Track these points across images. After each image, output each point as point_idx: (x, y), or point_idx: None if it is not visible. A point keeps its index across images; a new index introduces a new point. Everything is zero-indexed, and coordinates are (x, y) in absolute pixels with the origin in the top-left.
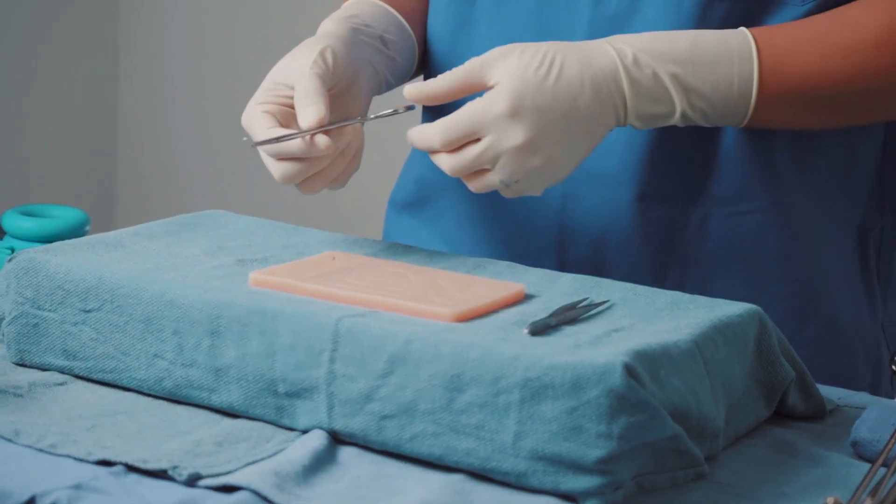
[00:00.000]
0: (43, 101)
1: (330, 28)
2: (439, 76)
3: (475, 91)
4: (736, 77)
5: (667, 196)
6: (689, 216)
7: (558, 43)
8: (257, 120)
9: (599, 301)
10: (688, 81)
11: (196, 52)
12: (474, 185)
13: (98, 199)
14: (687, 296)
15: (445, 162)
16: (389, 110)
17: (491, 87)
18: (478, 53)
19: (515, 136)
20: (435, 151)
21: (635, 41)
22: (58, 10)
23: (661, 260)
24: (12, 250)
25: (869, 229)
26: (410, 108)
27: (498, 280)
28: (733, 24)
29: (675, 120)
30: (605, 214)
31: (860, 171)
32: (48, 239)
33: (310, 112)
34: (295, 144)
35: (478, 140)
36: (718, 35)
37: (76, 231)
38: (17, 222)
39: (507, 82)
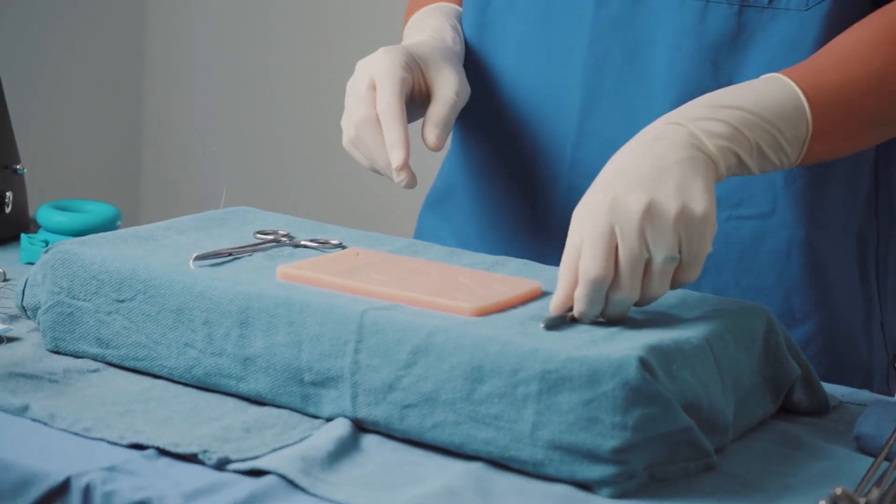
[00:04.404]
0: (72, 105)
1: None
2: (555, 297)
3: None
4: (791, 140)
5: None
6: None
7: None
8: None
9: None
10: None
11: (220, 52)
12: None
13: (123, 197)
14: (697, 294)
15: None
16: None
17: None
18: (498, 55)
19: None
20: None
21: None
22: (86, 16)
23: None
24: (46, 243)
25: (867, 234)
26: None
27: (516, 277)
28: (732, 27)
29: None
30: None
31: (861, 178)
32: (81, 233)
33: (394, 155)
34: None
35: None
36: (771, 95)
37: (108, 225)
38: (52, 216)
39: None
